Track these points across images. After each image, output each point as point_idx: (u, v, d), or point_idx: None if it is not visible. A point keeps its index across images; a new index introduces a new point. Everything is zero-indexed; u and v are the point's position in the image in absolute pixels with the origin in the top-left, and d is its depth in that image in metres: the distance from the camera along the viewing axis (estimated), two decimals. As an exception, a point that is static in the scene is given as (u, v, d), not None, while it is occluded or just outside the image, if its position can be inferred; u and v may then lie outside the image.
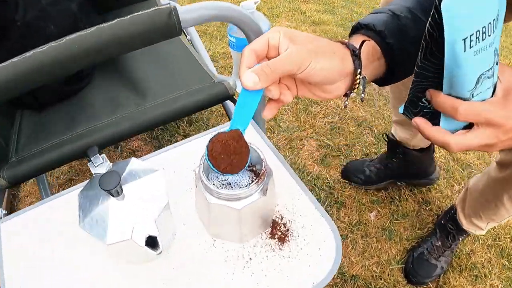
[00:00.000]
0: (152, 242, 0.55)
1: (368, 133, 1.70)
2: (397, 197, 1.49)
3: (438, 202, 1.48)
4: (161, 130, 1.70)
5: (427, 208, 1.46)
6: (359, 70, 0.50)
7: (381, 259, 1.35)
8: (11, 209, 1.48)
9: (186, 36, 1.38)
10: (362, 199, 1.48)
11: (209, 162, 0.51)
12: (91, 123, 0.98)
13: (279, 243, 0.65)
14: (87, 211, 0.56)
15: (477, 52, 0.42)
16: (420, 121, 0.48)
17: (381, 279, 1.31)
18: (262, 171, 0.56)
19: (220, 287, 0.61)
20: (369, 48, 0.52)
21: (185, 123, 1.72)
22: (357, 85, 0.52)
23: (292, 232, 0.67)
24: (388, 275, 1.32)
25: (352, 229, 1.41)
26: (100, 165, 0.60)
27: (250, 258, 0.64)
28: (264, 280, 0.62)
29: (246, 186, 0.57)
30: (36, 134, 1.04)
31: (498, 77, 0.47)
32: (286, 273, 0.62)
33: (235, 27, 1.70)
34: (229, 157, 0.51)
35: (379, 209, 1.46)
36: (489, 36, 0.41)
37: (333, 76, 0.49)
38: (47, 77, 0.70)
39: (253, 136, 0.81)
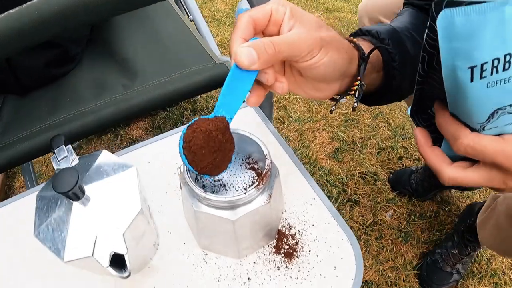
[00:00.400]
0: (119, 261, 0.42)
1: (384, 126, 1.57)
2: (415, 196, 1.37)
3: (458, 202, 1.37)
4: (164, 119, 1.59)
5: (446, 209, 1.35)
6: (360, 76, 0.47)
7: (397, 263, 1.24)
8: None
9: (188, 16, 1.25)
10: (377, 197, 1.36)
11: (183, 156, 0.38)
12: (73, 108, 0.86)
13: (286, 260, 0.52)
14: (43, 218, 0.44)
15: (493, 84, 0.31)
16: (420, 135, 0.41)
17: (396, 285, 1.21)
18: (265, 171, 0.43)
19: (210, 315, 0.49)
20: (374, 57, 0.49)
21: (189, 111, 1.61)
22: (353, 92, 0.48)
23: (302, 246, 0.54)
24: (404, 281, 1.22)
25: (366, 230, 1.29)
26: (64, 159, 0.48)
27: (249, 278, 0.51)
28: (265, 307, 0.49)
29: (243, 190, 0.43)
30: (17, 120, 0.94)
31: None
32: (293, 299, 0.50)
33: (243, 10, 1.57)
34: (211, 153, 0.39)
35: (396, 209, 1.35)
36: None
37: (335, 74, 0.44)
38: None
39: (256, 125, 0.67)
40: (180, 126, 1.56)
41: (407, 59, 0.51)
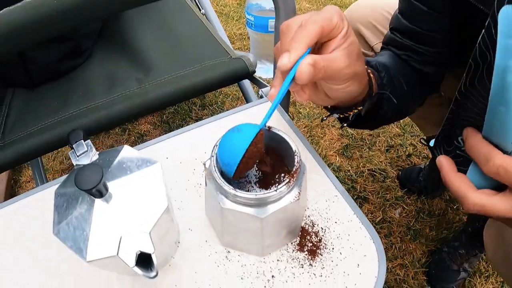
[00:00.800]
0: (145, 261, 0.41)
1: (393, 123, 1.55)
2: (424, 194, 1.36)
3: (467, 200, 1.35)
4: (172, 114, 1.58)
5: (454, 207, 1.34)
6: (362, 107, 0.53)
7: (405, 260, 1.24)
8: (11, 195, 1.39)
9: (200, 10, 1.24)
10: (386, 194, 1.35)
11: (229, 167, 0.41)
12: (85, 103, 0.85)
13: (310, 257, 0.52)
14: (63, 215, 0.43)
15: None
16: (445, 162, 0.40)
17: (404, 283, 1.20)
18: (295, 168, 0.42)
19: (234, 313, 0.48)
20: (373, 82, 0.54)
21: (197, 106, 1.60)
22: (347, 115, 0.55)
23: (325, 244, 0.53)
24: (412, 278, 1.22)
25: (375, 227, 1.27)
26: (83, 154, 0.46)
27: (272, 276, 0.50)
28: (290, 305, 0.48)
29: (274, 187, 0.42)
30: (26, 115, 0.93)
31: None
32: (318, 297, 0.49)
33: (253, 5, 1.56)
34: (252, 162, 0.42)
35: (404, 206, 1.34)
36: None
37: (346, 99, 0.48)
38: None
39: (277, 121, 0.67)
40: (188, 120, 1.55)
41: (394, 93, 0.57)
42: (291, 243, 0.53)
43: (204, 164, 0.46)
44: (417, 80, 0.66)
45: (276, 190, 0.41)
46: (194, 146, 0.64)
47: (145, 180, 0.44)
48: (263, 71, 1.68)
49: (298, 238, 0.53)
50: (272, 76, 0.79)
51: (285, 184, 0.41)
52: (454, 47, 0.62)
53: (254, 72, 0.82)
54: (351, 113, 0.55)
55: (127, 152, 0.47)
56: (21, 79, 0.98)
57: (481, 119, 0.35)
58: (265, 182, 0.50)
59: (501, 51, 0.29)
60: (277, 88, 0.41)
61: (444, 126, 0.42)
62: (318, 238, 0.53)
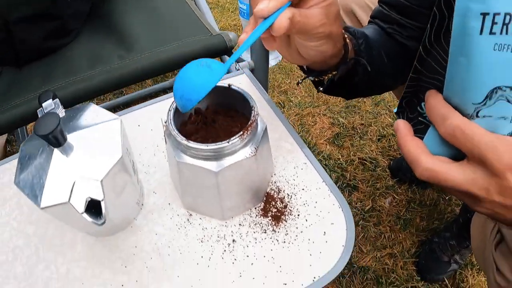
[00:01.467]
0: (95, 208, 0.41)
1: (386, 113, 1.54)
2: (415, 184, 1.34)
3: (459, 191, 1.34)
4: (163, 93, 1.57)
5: (446, 198, 1.32)
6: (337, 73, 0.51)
7: (394, 250, 1.22)
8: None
9: (188, -7, 1.23)
10: (376, 183, 1.34)
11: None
12: (67, 78, 0.86)
13: (273, 223, 0.51)
14: (25, 166, 0.43)
15: (500, 48, 0.27)
16: (402, 125, 0.37)
17: (393, 272, 1.19)
18: (251, 121, 0.41)
19: (191, 275, 0.47)
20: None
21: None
22: (322, 79, 0.53)
23: (290, 210, 0.52)
24: (401, 268, 1.20)
25: (364, 215, 1.27)
26: (51, 111, 0.46)
27: (233, 240, 0.49)
28: (249, 269, 0.47)
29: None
30: (12, 90, 0.94)
31: None
32: (279, 263, 0.48)
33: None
34: None
35: (395, 196, 1.32)
36: None
37: (317, 58, 0.47)
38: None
39: (250, 89, 0.65)
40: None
41: (372, 63, 0.55)
42: (255, 208, 0.52)
43: (164, 122, 0.46)
44: (400, 54, 0.65)
45: (228, 142, 0.40)
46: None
47: (104, 133, 0.44)
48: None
49: (263, 204, 0.52)
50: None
51: (238, 136, 0.40)
52: None
53: (233, 47, 0.81)
54: (326, 77, 0.53)
55: (92, 109, 0.47)
56: (8, 57, 0.98)
57: (443, 80, 0.33)
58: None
59: None
60: (248, 33, 0.40)
61: (408, 88, 0.41)
62: (284, 204, 0.52)
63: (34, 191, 0.41)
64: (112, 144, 0.43)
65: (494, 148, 0.29)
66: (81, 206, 0.39)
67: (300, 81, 0.59)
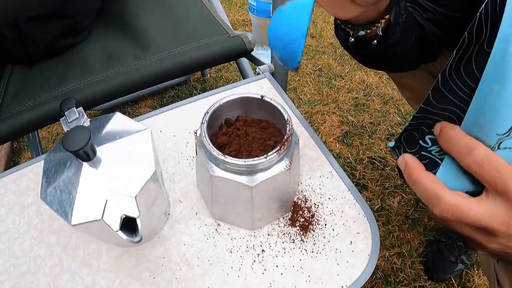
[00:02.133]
0: (130, 225, 0.40)
1: (394, 112, 1.54)
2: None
3: (467, 192, 1.34)
4: (172, 98, 1.57)
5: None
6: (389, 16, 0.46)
7: (403, 249, 1.22)
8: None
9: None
10: (385, 182, 1.34)
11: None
12: (83, 79, 0.84)
13: (301, 233, 0.51)
14: (51, 180, 0.42)
15: None
16: (411, 160, 0.34)
17: (401, 271, 1.19)
18: (286, 136, 0.41)
19: (221, 286, 0.47)
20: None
21: (198, 91, 1.60)
22: (375, 28, 0.47)
23: (318, 220, 0.52)
24: (409, 267, 1.20)
25: (373, 215, 1.27)
26: (74, 120, 0.45)
27: (262, 251, 0.50)
28: (279, 280, 0.47)
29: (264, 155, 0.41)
30: (24, 91, 0.93)
31: None
32: (308, 272, 0.48)
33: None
34: None
35: (404, 195, 1.33)
36: None
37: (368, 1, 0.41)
38: None
39: (272, 94, 0.65)
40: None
41: (410, 25, 0.51)
42: (283, 218, 0.52)
43: (195, 133, 0.45)
44: (419, 35, 0.63)
45: (266, 157, 0.40)
46: (189, 119, 0.63)
47: (134, 145, 0.44)
48: (265, 56, 1.66)
49: (290, 213, 0.52)
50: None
51: (275, 152, 0.40)
52: (461, 20, 0.59)
53: (252, 50, 0.80)
54: (378, 25, 0.48)
55: (118, 118, 0.46)
56: (19, 56, 0.97)
57: (458, 112, 0.32)
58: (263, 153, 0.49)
59: (508, 17, 0.26)
60: None
61: (413, 120, 0.38)
62: (311, 213, 0.52)
63: (63, 207, 0.40)
64: (144, 157, 0.42)
65: None
66: (116, 224, 0.39)
67: (351, 39, 0.52)
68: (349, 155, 1.39)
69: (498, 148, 0.30)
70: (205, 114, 0.44)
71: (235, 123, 0.47)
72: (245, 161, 0.40)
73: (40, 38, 0.94)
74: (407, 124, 0.38)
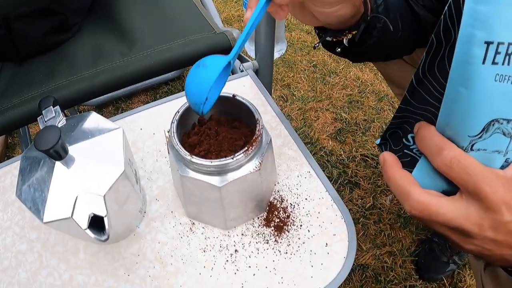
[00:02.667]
0: (99, 224, 0.40)
1: (389, 109, 1.53)
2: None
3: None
4: (166, 93, 1.57)
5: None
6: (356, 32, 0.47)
7: (394, 248, 1.22)
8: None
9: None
10: (378, 180, 1.33)
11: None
12: (70, 75, 0.84)
13: (276, 233, 0.50)
14: (26, 177, 0.43)
15: (501, 79, 0.26)
16: (388, 157, 0.35)
17: (392, 270, 1.19)
18: (255, 136, 0.41)
19: (193, 285, 0.47)
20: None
21: (190, 87, 1.58)
22: (340, 39, 0.49)
23: (293, 220, 0.51)
24: (400, 267, 1.20)
25: (365, 213, 1.27)
26: (51, 119, 0.46)
27: (236, 251, 0.49)
28: (251, 280, 0.47)
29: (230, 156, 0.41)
30: (12, 87, 0.93)
31: None
32: (280, 274, 0.48)
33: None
34: None
35: (396, 194, 1.32)
36: None
37: (335, 21, 0.44)
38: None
39: (253, 95, 0.65)
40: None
41: (388, 28, 0.52)
42: (258, 218, 0.51)
43: (167, 132, 0.45)
44: (410, 24, 0.62)
45: (233, 158, 0.39)
46: (169, 118, 0.62)
47: (106, 145, 0.44)
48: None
49: (265, 213, 0.52)
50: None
51: (242, 152, 0.40)
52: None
53: (237, 46, 0.80)
54: (344, 37, 0.50)
55: (93, 118, 0.46)
56: (8, 53, 0.97)
57: (436, 112, 0.32)
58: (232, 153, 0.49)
59: (467, 17, 0.26)
60: (252, 8, 0.38)
61: (395, 119, 0.39)
62: (286, 214, 0.52)
63: (36, 205, 0.41)
64: (114, 156, 0.42)
65: (490, 181, 0.29)
66: (84, 222, 0.39)
67: (317, 44, 0.54)
68: (342, 152, 1.39)
69: (471, 149, 0.30)
70: (176, 113, 0.44)
71: (207, 123, 0.47)
72: (211, 162, 0.39)
73: (30, 35, 0.94)
74: (388, 122, 0.38)
